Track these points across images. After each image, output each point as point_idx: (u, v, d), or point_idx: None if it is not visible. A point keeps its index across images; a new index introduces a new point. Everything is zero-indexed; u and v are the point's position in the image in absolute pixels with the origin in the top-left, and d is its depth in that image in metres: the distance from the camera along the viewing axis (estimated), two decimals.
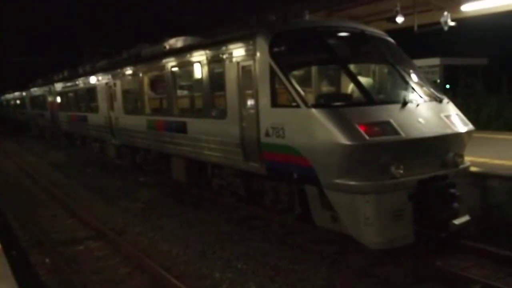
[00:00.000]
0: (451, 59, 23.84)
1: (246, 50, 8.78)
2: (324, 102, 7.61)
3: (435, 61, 23.17)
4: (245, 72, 8.91)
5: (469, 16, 13.76)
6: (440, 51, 24.72)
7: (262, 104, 8.32)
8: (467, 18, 14.07)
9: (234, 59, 9.17)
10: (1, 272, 5.24)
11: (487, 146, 12.31)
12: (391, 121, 7.14)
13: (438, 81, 22.61)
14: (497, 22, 18.86)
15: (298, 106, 7.46)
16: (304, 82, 9.18)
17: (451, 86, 22.35)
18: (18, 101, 42.79)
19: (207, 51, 10.21)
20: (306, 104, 7.36)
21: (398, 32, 12.38)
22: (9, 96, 48.99)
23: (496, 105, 18.28)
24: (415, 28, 13.51)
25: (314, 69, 9.59)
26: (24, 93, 37.44)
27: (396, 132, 7.03)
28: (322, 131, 7.04)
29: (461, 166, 7.84)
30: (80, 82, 20.91)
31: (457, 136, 7.76)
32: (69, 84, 22.99)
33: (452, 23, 12.51)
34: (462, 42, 25.78)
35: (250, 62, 8.66)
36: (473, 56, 25.00)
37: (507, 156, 10.80)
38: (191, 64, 11.22)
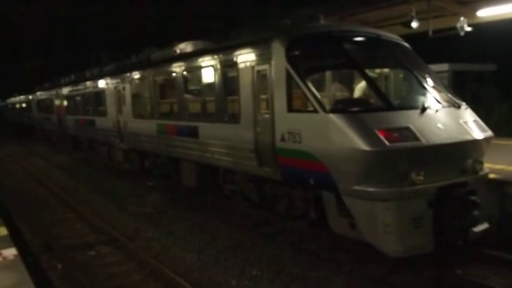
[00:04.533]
0: (460, 64, 23.59)
1: (262, 54, 8.68)
2: (342, 107, 7.48)
3: (444, 66, 22.94)
4: (260, 76, 8.82)
5: (480, 22, 13.64)
6: (448, 56, 24.50)
7: (278, 109, 8.22)
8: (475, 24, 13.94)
9: (248, 64, 9.08)
10: (21, 279, 5.13)
11: (500, 153, 12.14)
12: (411, 126, 7.03)
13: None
14: (506, 27, 18.69)
15: (315, 111, 7.36)
16: (321, 87, 9.08)
17: (458, 91, 22.13)
18: (24, 105, 42.73)
19: (221, 55, 10.12)
20: (324, 109, 7.25)
21: (406, 38, 12.25)
22: (14, 99, 48.99)
23: (506, 111, 18.12)
24: (430, 33, 13.40)
25: (331, 73, 9.49)
26: (30, 97, 37.38)
27: (416, 138, 6.92)
28: (341, 136, 6.93)
29: (481, 173, 7.72)
30: (88, 85, 20.84)
31: (477, 142, 7.64)
32: (76, 88, 22.92)
33: (468, 29, 12.40)
34: (471, 47, 25.58)
35: (265, 67, 8.56)
36: (482, 61, 24.78)
37: None
38: (203, 68, 11.13)
